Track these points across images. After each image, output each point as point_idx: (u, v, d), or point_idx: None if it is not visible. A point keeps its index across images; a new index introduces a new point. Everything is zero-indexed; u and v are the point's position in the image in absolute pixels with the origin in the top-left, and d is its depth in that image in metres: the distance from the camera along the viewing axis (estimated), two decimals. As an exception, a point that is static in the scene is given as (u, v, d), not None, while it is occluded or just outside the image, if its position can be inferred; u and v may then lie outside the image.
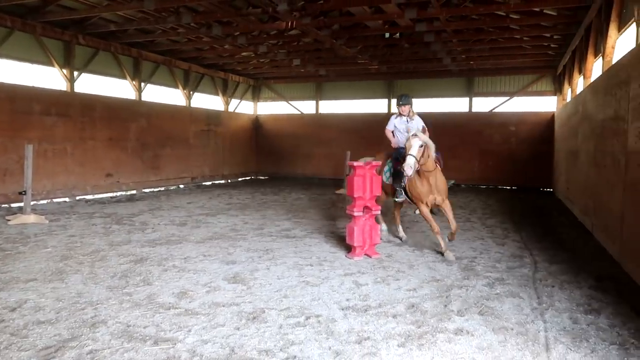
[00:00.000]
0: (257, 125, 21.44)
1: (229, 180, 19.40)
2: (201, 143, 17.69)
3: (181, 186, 16.51)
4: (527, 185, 16.82)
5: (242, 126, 20.47)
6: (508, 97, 17.55)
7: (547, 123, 16.61)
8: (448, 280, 5.48)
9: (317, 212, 10.78)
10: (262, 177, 21.25)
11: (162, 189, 15.53)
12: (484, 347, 3.71)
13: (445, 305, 4.61)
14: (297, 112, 20.94)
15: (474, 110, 18.08)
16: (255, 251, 6.77)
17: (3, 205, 10.63)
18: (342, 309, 4.49)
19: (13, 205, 10.58)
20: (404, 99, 7.14)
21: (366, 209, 6.47)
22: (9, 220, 8.76)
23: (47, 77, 12.28)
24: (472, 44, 13.49)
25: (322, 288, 5.13)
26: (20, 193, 9.26)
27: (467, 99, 18.19)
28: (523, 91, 17.39)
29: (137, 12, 11.54)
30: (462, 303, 4.69)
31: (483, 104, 18.07)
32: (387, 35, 12.94)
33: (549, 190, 16.31)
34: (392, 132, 7.42)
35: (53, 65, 12.22)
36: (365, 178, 6.47)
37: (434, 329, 4.04)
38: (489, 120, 17.57)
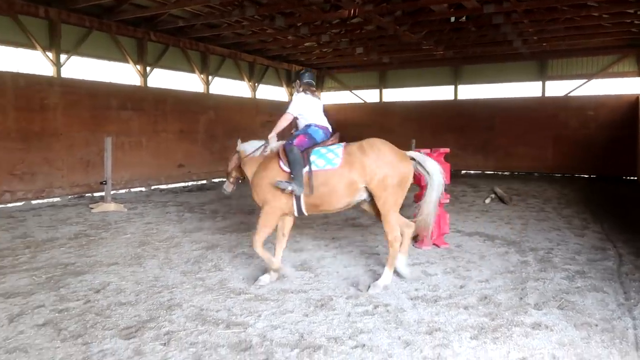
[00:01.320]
0: (320, 115, 21.47)
1: (293, 171, 19.59)
2: (266, 134, 17.96)
3: (247, 176, 16.89)
4: (608, 173, 15.69)
5: (305, 116, 20.57)
6: (585, 80, 16.40)
7: (630, 106, 15.36)
8: (523, 272, 5.22)
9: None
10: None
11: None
12: (565, 343, 3.50)
13: (521, 298, 4.40)
14: (360, 101, 20.78)
15: (547, 94, 17.09)
16: (322, 239, 6.80)
17: (87, 195, 11.39)
18: (411, 299, 4.40)
19: (95, 194, 11.30)
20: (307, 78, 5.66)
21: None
22: (92, 208, 9.37)
23: (122, 73, 12.94)
24: (545, 24, 12.69)
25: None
26: (101, 183, 9.87)
27: (539, 83, 17.18)
28: (602, 73, 16.17)
29: (203, 7, 11.86)
30: (539, 296, 4.45)
31: (557, 88, 17.00)
32: (453, 19, 12.48)
33: (633, 179, 15.14)
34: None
35: (127, 62, 12.86)
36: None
37: (509, 322, 3.86)
38: (565, 104, 16.52)
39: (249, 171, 5.31)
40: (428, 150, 6.40)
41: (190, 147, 14.51)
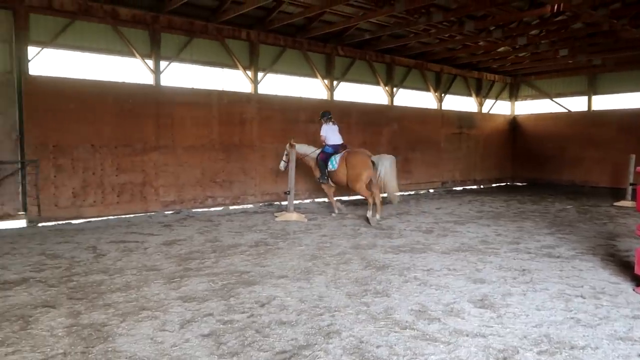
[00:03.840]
0: (514, 126, 19.61)
1: (482, 186, 18.20)
2: (452, 146, 17.06)
3: (431, 190, 16.19)
4: None
5: (496, 128, 18.99)
6: None
7: None
8: None
9: (589, 227, 8.95)
10: (519, 183, 19.30)
11: (412, 192, 15.47)
12: None
13: None
14: (562, 110, 18.30)
15: None
16: (508, 270, 5.83)
17: (275, 203, 12.11)
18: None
19: (283, 203, 11.93)
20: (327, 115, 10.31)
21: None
22: (276, 216, 9.83)
23: (311, 87, 13.52)
24: None
25: (600, 331, 3.95)
26: (285, 193, 10.32)
27: None
28: None
29: (389, 17, 11.68)
30: None
31: None
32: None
33: None
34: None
35: (316, 77, 13.39)
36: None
37: None
38: None
39: (310, 165, 10.46)
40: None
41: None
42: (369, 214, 9.33)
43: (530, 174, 19.08)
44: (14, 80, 8.82)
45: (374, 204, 9.43)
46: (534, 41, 13.08)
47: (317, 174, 10.19)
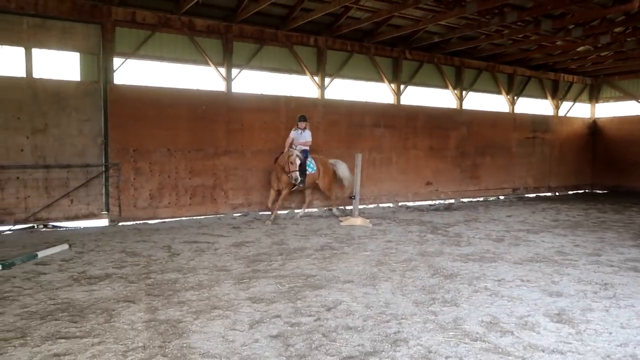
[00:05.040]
0: (594, 130, 18.43)
1: (557, 193, 17.25)
2: (525, 151, 16.32)
3: (501, 197, 15.57)
4: None
5: (574, 132, 17.94)
6: None
7: None
8: None
9: (680, 240, 8.23)
10: (599, 191, 18.11)
11: (481, 199, 14.97)
12: None
13: None
14: (651, 112, 16.99)
15: None
16: (588, 283, 5.48)
17: (340, 207, 12.14)
18: None
19: (347, 207, 11.93)
20: (302, 119, 10.22)
21: None
22: (341, 221, 9.85)
23: (378, 91, 13.46)
24: None
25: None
26: (350, 197, 10.32)
27: None
28: None
29: (459, 19, 11.40)
30: None
31: None
32: None
33: None
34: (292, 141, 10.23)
35: (383, 81, 13.30)
36: None
37: None
38: None
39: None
40: None
41: (439, 165, 14.13)
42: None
43: (611, 181, 17.84)
44: (100, 89, 9.48)
45: (307, 202, 11.04)
46: (618, 39, 12.26)
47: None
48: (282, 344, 3.75)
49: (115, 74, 9.61)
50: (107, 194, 9.58)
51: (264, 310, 4.49)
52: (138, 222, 9.64)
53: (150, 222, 9.72)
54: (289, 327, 4.08)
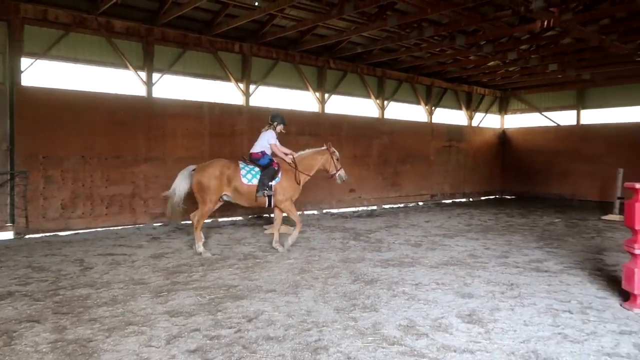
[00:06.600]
0: (503, 139, 19.79)
1: (471, 199, 18.30)
2: (442, 159, 17.17)
3: (420, 203, 16.25)
4: None
5: (486, 141, 19.15)
6: None
7: None
8: None
9: (577, 241, 9.02)
10: (508, 197, 19.43)
11: (402, 205, 15.52)
12: None
13: None
14: (552, 124, 18.52)
15: None
16: (497, 284, 5.86)
17: (264, 215, 12.06)
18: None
19: (272, 215, 11.87)
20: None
21: (651, 246, 5.01)
22: (265, 229, 9.80)
23: (302, 100, 13.58)
24: None
25: (587, 346, 3.97)
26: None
27: None
28: None
29: (381, 31, 11.81)
30: None
31: None
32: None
33: None
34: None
35: (308, 90, 13.46)
36: (651, 206, 4.93)
37: None
38: None
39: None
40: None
41: (362, 172, 14.49)
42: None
43: (519, 187, 19.22)
44: (6, 91, 8.79)
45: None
46: (524, 56, 13.28)
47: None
48: (201, 358, 3.66)
49: (23, 75, 8.97)
50: (12, 204, 8.87)
51: (182, 324, 4.36)
52: (48, 234, 9.00)
53: (61, 234, 9.11)
54: (208, 341, 3.99)
